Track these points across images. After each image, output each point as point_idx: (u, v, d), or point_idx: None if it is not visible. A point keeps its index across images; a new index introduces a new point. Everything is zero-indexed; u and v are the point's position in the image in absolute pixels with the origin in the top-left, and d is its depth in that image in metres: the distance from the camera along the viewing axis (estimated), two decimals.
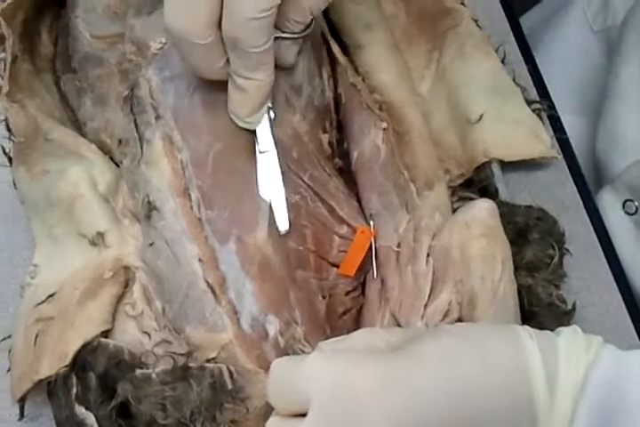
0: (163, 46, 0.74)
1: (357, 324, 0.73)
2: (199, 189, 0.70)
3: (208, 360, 0.67)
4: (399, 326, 0.69)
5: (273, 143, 0.70)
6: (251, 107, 0.69)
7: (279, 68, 0.70)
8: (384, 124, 0.76)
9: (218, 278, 0.68)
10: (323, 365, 0.57)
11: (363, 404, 0.55)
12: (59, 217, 0.73)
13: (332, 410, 0.56)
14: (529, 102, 0.83)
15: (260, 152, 0.70)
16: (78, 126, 0.78)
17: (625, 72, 0.96)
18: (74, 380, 0.67)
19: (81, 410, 0.66)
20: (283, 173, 0.70)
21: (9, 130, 0.74)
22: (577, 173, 0.85)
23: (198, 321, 0.68)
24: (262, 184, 0.69)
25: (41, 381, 0.67)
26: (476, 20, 0.85)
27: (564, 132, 0.86)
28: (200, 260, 0.68)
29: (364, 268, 0.73)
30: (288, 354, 0.67)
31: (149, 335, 0.69)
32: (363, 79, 0.79)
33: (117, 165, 0.75)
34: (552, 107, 0.87)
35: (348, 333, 0.62)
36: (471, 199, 0.76)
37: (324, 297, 0.71)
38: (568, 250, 0.76)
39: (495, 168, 0.80)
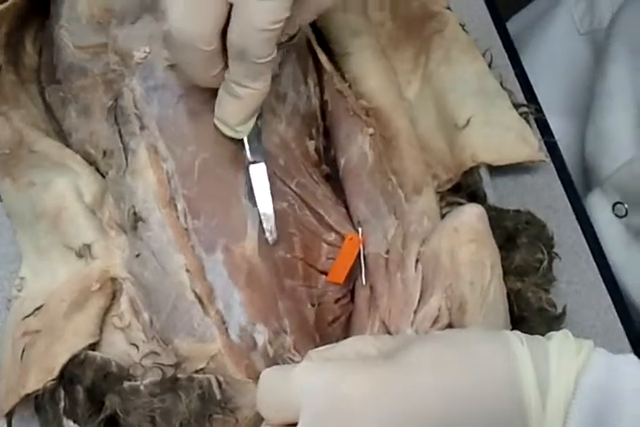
0: (146, 56, 0.74)
1: (347, 332, 0.72)
2: (185, 199, 0.70)
3: (197, 371, 0.66)
4: (389, 333, 0.69)
5: (262, 153, 0.70)
6: (243, 115, 0.69)
7: None
8: (371, 130, 0.76)
9: (205, 289, 0.68)
10: (313, 373, 0.57)
11: (354, 412, 0.55)
12: (45, 229, 0.73)
13: (324, 419, 0.55)
14: (516, 106, 0.83)
15: (249, 162, 0.70)
16: (64, 137, 0.78)
17: (613, 73, 0.96)
18: (61, 393, 0.66)
19: (69, 424, 0.65)
20: (269, 178, 0.70)
21: None
22: (565, 176, 0.85)
23: (186, 332, 0.67)
24: (254, 194, 0.70)
25: (28, 395, 0.67)
26: (462, 25, 0.85)
27: (552, 136, 0.86)
28: (187, 270, 0.68)
29: (352, 275, 0.73)
30: (277, 363, 0.67)
31: (137, 347, 0.68)
32: (349, 86, 0.79)
33: (103, 176, 0.75)
34: (539, 110, 0.87)
35: (337, 341, 0.62)
36: (460, 204, 0.76)
37: (312, 305, 0.71)
38: (557, 254, 0.76)
39: (483, 173, 0.80)
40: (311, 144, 0.77)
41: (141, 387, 0.65)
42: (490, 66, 0.85)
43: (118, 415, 0.65)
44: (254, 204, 0.70)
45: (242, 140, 0.71)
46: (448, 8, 0.86)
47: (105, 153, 0.74)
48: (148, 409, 0.64)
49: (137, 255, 0.70)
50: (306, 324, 0.70)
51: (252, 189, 0.70)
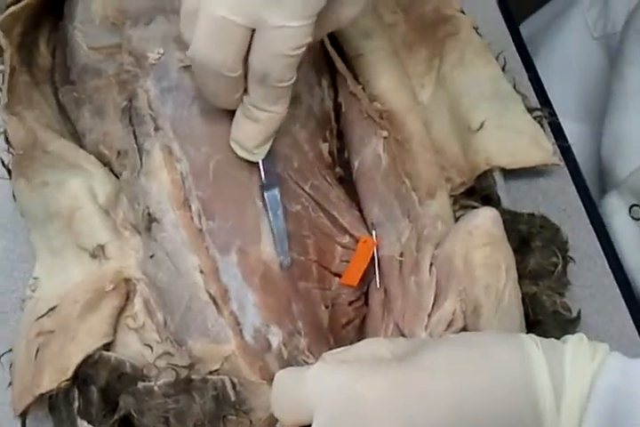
0: (160, 57, 0.74)
1: (361, 334, 0.72)
2: (199, 200, 0.70)
3: (211, 372, 0.66)
4: (403, 336, 0.69)
5: (276, 176, 0.71)
6: (261, 139, 0.69)
7: None
8: (384, 133, 0.76)
9: (220, 290, 0.67)
10: (327, 375, 0.57)
11: (369, 414, 0.55)
12: (58, 229, 0.73)
13: (338, 421, 0.55)
14: (530, 110, 0.83)
15: (264, 185, 0.70)
16: (77, 138, 0.78)
17: (629, 75, 0.96)
18: (75, 393, 0.67)
19: (83, 424, 0.65)
20: (283, 180, 0.71)
21: (8, 142, 0.74)
22: (579, 179, 0.84)
23: (200, 333, 0.67)
24: (269, 217, 0.70)
25: (42, 395, 0.67)
26: (475, 28, 0.85)
27: (566, 140, 0.86)
28: (201, 271, 0.68)
29: (366, 278, 0.73)
30: (291, 365, 0.67)
31: (151, 348, 0.68)
32: (363, 88, 0.79)
33: (117, 177, 0.75)
34: (553, 114, 0.87)
35: (351, 343, 0.62)
36: (473, 208, 0.76)
37: (326, 307, 0.71)
38: (572, 258, 0.75)
39: (497, 176, 0.80)
40: (325, 146, 0.77)
41: (155, 388, 0.65)
42: (503, 69, 0.85)
43: (132, 416, 0.65)
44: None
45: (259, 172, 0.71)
46: (462, 11, 0.86)
47: (119, 154, 0.74)
48: (162, 410, 0.64)
49: (151, 256, 0.70)
50: (320, 326, 0.70)
51: (268, 212, 0.70)
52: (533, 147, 0.81)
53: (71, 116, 0.79)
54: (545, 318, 0.71)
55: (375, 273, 0.72)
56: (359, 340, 0.62)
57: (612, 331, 0.78)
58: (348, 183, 0.77)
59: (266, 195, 0.70)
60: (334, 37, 0.81)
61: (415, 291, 0.70)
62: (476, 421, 0.55)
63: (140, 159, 0.72)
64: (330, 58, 0.79)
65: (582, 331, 0.68)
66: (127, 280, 0.71)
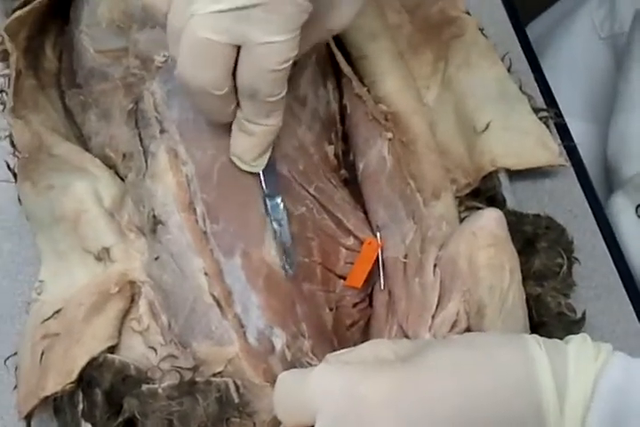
0: (167, 60, 0.74)
1: (365, 336, 0.72)
2: (204, 203, 0.70)
3: (214, 375, 0.66)
4: (407, 337, 0.69)
5: (277, 186, 0.71)
6: (258, 151, 0.69)
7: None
8: (389, 135, 0.76)
9: (224, 292, 0.68)
10: (331, 376, 0.57)
11: (373, 415, 0.55)
12: (64, 233, 0.73)
13: (342, 422, 0.55)
14: (536, 110, 0.83)
15: (265, 195, 0.70)
16: (83, 141, 0.78)
17: (634, 75, 0.96)
18: (80, 396, 0.67)
19: (87, 426, 0.65)
20: (288, 182, 0.71)
21: (13, 146, 0.74)
22: (585, 180, 0.84)
23: (204, 335, 0.67)
24: (273, 227, 0.70)
25: (47, 397, 0.67)
26: (481, 29, 0.85)
27: (572, 140, 0.86)
28: (206, 273, 0.68)
29: (371, 279, 0.73)
30: (295, 367, 0.67)
31: (155, 350, 0.68)
32: (368, 90, 0.79)
33: (122, 180, 0.75)
34: (559, 114, 0.87)
35: (355, 345, 0.62)
36: (478, 209, 0.76)
37: (330, 309, 0.71)
38: (577, 259, 0.75)
39: (502, 177, 0.80)
40: (330, 149, 0.77)
41: (159, 390, 0.65)
42: (509, 70, 0.84)
43: (136, 418, 0.65)
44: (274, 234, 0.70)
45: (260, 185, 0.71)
46: (467, 13, 0.86)
47: (125, 156, 0.74)
48: (165, 412, 0.64)
49: (156, 258, 0.70)
50: (324, 328, 0.70)
51: (272, 222, 0.70)
52: (539, 147, 0.81)
53: (77, 120, 0.79)
54: (550, 319, 0.71)
55: (379, 275, 0.72)
56: (363, 341, 0.62)
57: (618, 332, 0.77)
58: (352, 185, 0.77)
59: (269, 204, 0.70)
60: (339, 39, 0.81)
61: (419, 292, 0.70)
62: (479, 422, 0.55)
63: (146, 162, 0.72)
64: (335, 60, 0.79)
65: (587, 332, 0.67)
66: (132, 283, 0.71)
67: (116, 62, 0.76)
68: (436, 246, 0.71)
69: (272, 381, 0.65)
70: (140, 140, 0.73)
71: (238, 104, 0.67)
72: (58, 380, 0.67)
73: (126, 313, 0.70)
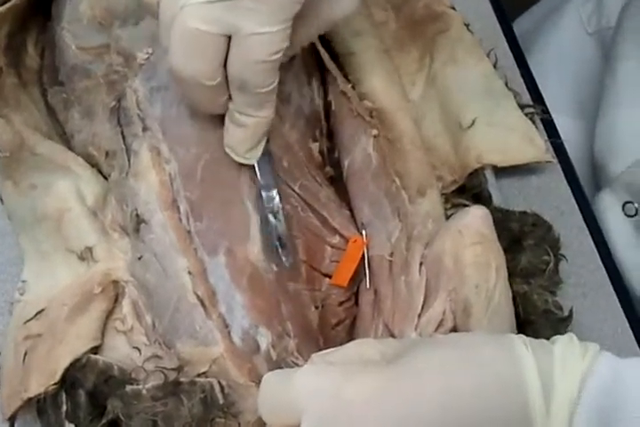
0: (149, 56, 0.74)
1: (351, 335, 0.72)
2: (188, 201, 0.69)
3: (199, 375, 0.66)
4: (393, 336, 0.69)
5: (274, 178, 0.70)
6: (251, 143, 0.68)
7: None
8: (375, 132, 0.76)
9: (207, 291, 0.67)
10: (316, 377, 0.57)
11: (357, 416, 0.54)
12: (47, 232, 0.72)
13: (327, 423, 0.55)
14: (522, 106, 0.82)
15: (261, 187, 0.70)
16: (66, 139, 0.78)
17: (621, 71, 0.95)
18: (63, 397, 0.66)
19: None
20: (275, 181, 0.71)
21: None
22: (572, 177, 0.84)
23: (189, 335, 0.67)
24: (268, 220, 0.69)
25: (30, 399, 0.67)
26: (467, 25, 0.85)
27: (559, 136, 0.85)
28: (189, 272, 0.68)
29: (356, 278, 0.72)
30: (281, 367, 0.66)
31: (139, 350, 0.68)
32: (353, 86, 0.79)
33: (105, 178, 0.74)
34: (546, 111, 0.86)
35: (341, 344, 0.61)
36: (465, 206, 0.75)
37: (316, 308, 0.70)
38: (564, 256, 0.75)
39: (489, 174, 0.79)
40: (315, 146, 0.76)
41: (143, 391, 0.65)
42: (495, 66, 0.84)
43: (120, 420, 0.64)
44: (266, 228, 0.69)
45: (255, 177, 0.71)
46: (452, 8, 0.85)
47: (107, 154, 0.74)
48: (150, 413, 0.64)
49: (139, 258, 0.70)
50: (309, 327, 0.69)
51: (267, 216, 0.69)
52: (525, 144, 0.80)
53: (60, 118, 0.79)
54: (536, 317, 0.71)
55: (365, 273, 0.72)
56: (349, 341, 0.62)
57: (605, 329, 0.77)
58: (338, 183, 0.77)
59: (264, 196, 0.69)
60: (324, 36, 0.81)
61: (405, 291, 0.69)
62: (465, 422, 0.54)
63: (129, 160, 0.72)
64: (320, 57, 0.79)
65: (575, 330, 0.67)
66: (115, 282, 0.71)
67: (99, 59, 0.76)
68: (421, 244, 0.71)
69: (257, 381, 0.64)
70: (123, 137, 0.73)
71: (230, 96, 0.67)
72: (41, 381, 0.66)
73: (110, 313, 0.70)
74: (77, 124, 0.76)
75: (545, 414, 0.54)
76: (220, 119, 0.70)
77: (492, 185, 0.79)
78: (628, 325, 0.78)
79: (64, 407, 0.66)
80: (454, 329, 0.67)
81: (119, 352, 0.68)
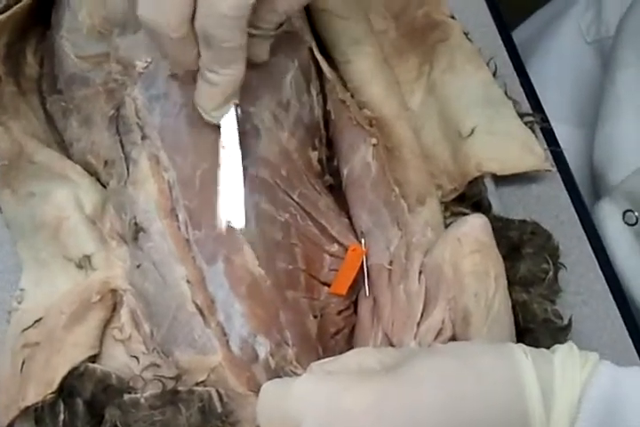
0: (148, 65, 0.74)
1: (350, 344, 0.72)
2: (186, 210, 0.69)
3: (197, 384, 0.66)
4: (392, 345, 0.68)
5: (237, 139, 0.69)
6: (218, 101, 0.68)
7: (250, 64, 0.69)
8: (374, 140, 0.75)
9: (206, 300, 0.67)
10: (314, 386, 0.56)
11: (356, 426, 0.54)
12: (45, 241, 0.72)
13: None
14: (521, 115, 0.82)
15: (223, 147, 0.69)
16: (64, 148, 0.78)
17: (621, 78, 0.95)
18: (61, 406, 0.66)
19: None
20: (271, 188, 0.71)
21: None
22: (571, 185, 0.84)
23: (187, 344, 0.67)
24: (223, 180, 0.69)
25: (28, 407, 0.67)
26: (466, 33, 0.85)
27: (558, 145, 0.85)
28: (188, 281, 0.67)
29: (355, 286, 0.72)
30: (279, 376, 0.66)
31: (138, 359, 0.68)
32: (352, 95, 0.79)
33: (104, 187, 0.74)
34: (545, 119, 0.86)
35: (340, 353, 0.62)
36: (464, 214, 0.75)
37: (315, 317, 0.70)
38: (563, 264, 0.75)
39: (488, 182, 0.79)
40: (314, 155, 0.76)
41: (142, 400, 0.64)
42: (494, 75, 0.84)
43: None
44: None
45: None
46: (452, 17, 0.85)
47: (106, 163, 0.73)
48: (148, 422, 0.63)
49: (138, 266, 0.70)
50: (308, 336, 0.69)
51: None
52: (525, 152, 0.80)
53: (58, 126, 0.79)
54: (536, 325, 0.70)
55: (364, 282, 0.71)
56: (348, 349, 0.62)
57: (605, 338, 0.77)
58: (337, 191, 0.77)
59: (222, 156, 0.69)
60: (323, 44, 0.81)
61: (404, 299, 0.69)
62: None
63: (127, 168, 0.72)
64: (318, 65, 0.79)
65: (574, 338, 0.67)
66: (114, 291, 0.70)
67: (98, 68, 0.76)
68: (420, 253, 0.71)
69: (256, 390, 0.64)
70: (122, 146, 0.72)
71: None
72: (38, 390, 0.66)
73: (108, 322, 0.70)
74: (76, 133, 0.76)
75: (545, 424, 0.54)
76: (218, 127, 0.70)
77: (492, 193, 0.79)
78: (627, 333, 0.78)
79: (62, 416, 0.66)
80: (453, 338, 0.67)
81: (117, 361, 0.68)
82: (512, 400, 0.54)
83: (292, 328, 0.68)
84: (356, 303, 0.73)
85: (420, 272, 0.70)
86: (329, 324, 0.71)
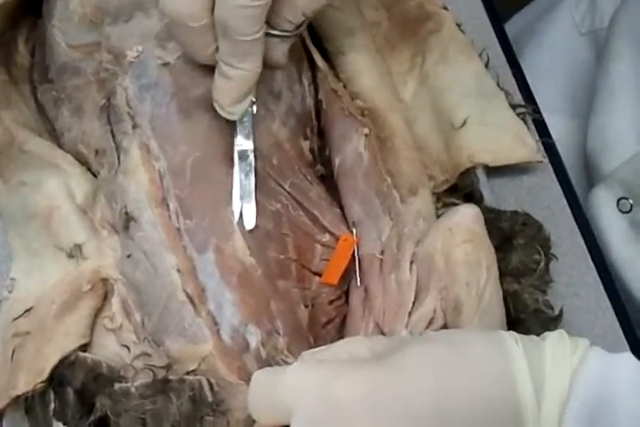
0: (139, 54, 0.73)
1: (341, 334, 0.71)
2: (177, 199, 0.69)
3: (188, 373, 0.66)
4: (383, 334, 0.68)
5: (252, 138, 0.70)
6: (234, 96, 0.68)
7: (268, 67, 0.69)
8: (366, 130, 0.75)
9: (197, 289, 0.67)
10: (305, 375, 0.56)
11: (348, 414, 0.54)
12: (36, 230, 0.72)
13: (316, 421, 0.55)
14: (514, 106, 0.82)
15: (237, 147, 0.70)
16: (55, 137, 0.77)
17: (616, 68, 0.95)
18: (51, 395, 0.66)
19: (59, 426, 0.65)
20: (262, 178, 0.70)
21: None
22: (563, 177, 0.84)
23: (178, 333, 0.67)
24: (236, 181, 0.69)
25: (18, 397, 0.66)
26: (459, 25, 0.85)
27: (550, 136, 0.85)
28: (179, 270, 0.67)
29: (347, 276, 0.72)
30: (270, 365, 0.66)
31: (128, 348, 0.68)
32: (344, 85, 0.78)
33: (95, 176, 0.74)
34: (537, 110, 0.86)
35: (331, 342, 0.61)
36: (456, 205, 0.75)
37: (306, 306, 0.70)
38: (554, 255, 0.75)
39: (480, 173, 0.79)
40: (306, 145, 0.76)
41: (132, 389, 0.64)
42: (487, 66, 0.84)
43: (109, 417, 0.64)
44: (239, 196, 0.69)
45: (234, 134, 0.71)
46: (444, 8, 0.85)
47: (97, 152, 0.73)
48: (138, 411, 0.63)
49: (128, 256, 0.69)
50: (299, 325, 0.69)
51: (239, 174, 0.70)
52: (517, 144, 0.80)
53: (49, 116, 0.78)
54: (527, 316, 0.71)
55: (355, 272, 0.71)
56: (340, 339, 0.62)
57: (596, 329, 0.77)
58: (328, 181, 0.76)
59: (235, 153, 0.70)
60: (315, 34, 0.81)
61: (395, 289, 0.69)
62: (457, 419, 0.54)
63: (118, 158, 0.72)
64: (311, 55, 0.79)
65: (565, 329, 0.66)
66: (104, 280, 0.70)
67: (89, 57, 0.76)
68: (412, 243, 0.71)
69: (247, 379, 0.64)
70: (113, 135, 0.72)
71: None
72: (29, 379, 0.66)
73: (99, 311, 0.70)
74: (67, 122, 0.76)
75: (536, 409, 0.54)
76: (209, 117, 0.70)
77: (484, 185, 0.79)
78: (618, 325, 0.78)
79: (52, 405, 0.66)
80: (445, 327, 0.67)
81: (108, 350, 0.68)
82: (503, 387, 0.54)
83: (282, 318, 0.68)
84: (347, 293, 0.73)
85: (412, 262, 0.70)
86: (320, 314, 0.71)
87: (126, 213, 0.70)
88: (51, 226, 0.72)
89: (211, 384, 0.64)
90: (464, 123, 0.79)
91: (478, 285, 0.67)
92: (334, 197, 0.75)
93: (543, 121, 0.86)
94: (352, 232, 0.73)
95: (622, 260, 0.87)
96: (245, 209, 0.69)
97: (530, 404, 0.54)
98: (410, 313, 0.68)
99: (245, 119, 0.70)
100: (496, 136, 0.80)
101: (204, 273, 0.67)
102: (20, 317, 0.70)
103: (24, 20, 0.81)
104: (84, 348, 0.68)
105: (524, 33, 1.11)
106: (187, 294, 0.67)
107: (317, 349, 0.61)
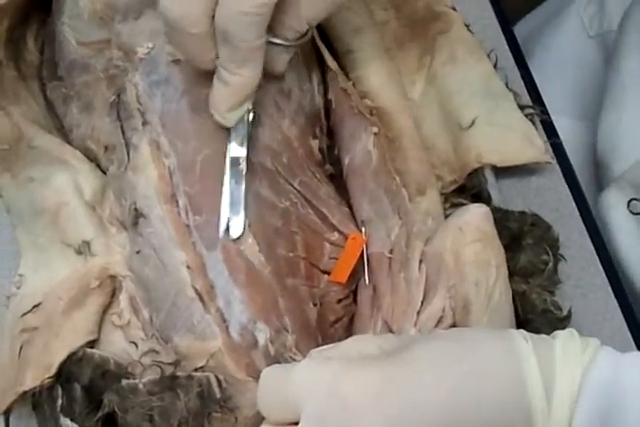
0: (149, 51, 0.73)
1: (349, 333, 0.71)
2: (187, 195, 0.69)
3: (196, 369, 0.65)
4: (392, 333, 0.68)
5: (245, 146, 0.69)
6: (231, 102, 0.68)
7: (268, 74, 0.69)
8: (375, 129, 0.75)
9: (206, 286, 0.67)
10: (314, 372, 0.56)
11: (357, 411, 0.54)
12: (44, 226, 0.72)
13: (325, 418, 0.55)
14: (522, 107, 0.82)
15: (231, 151, 0.69)
16: (64, 133, 0.78)
17: (626, 68, 0.95)
18: (59, 391, 0.66)
19: (66, 422, 0.65)
20: (272, 175, 0.70)
21: None
22: (571, 178, 0.84)
23: (186, 329, 0.66)
24: (226, 189, 0.69)
25: (26, 392, 0.66)
26: (467, 25, 0.85)
27: (558, 137, 0.85)
28: (188, 267, 0.67)
29: (355, 275, 0.72)
30: (278, 362, 0.66)
31: (136, 345, 0.68)
32: (353, 84, 0.78)
33: (104, 173, 0.74)
34: (545, 111, 0.86)
35: (340, 341, 0.61)
36: (464, 206, 0.75)
37: (314, 305, 0.70)
38: (563, 256, 0.75)
39: (488, 174, 0.79)
40: (315, 143, 0.76)
41: (140, 385, 0.64)
42: (495, 66, 0.84)
43: (116, 414, 0.64)
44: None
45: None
46: (453, 8, 0.85)
47: (106, 148, 0.73)
48: (146, 408, 0.63)
49: (137, 252, 0.69)
50: (307, 323, 0.69)
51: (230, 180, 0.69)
52: (525, 144, 0.80)
53: (58, 112, 0.78)
54: (535, 316, 0.70)
55: (364, 270, 0.71)
56: (347, 338, 0.61)
57: (604, 330, 0.77)
58: (337, 180, 0.76)
59: (227, 159, 0.69)
60: (324, 34, 0.81)
61: (404, 287, 0.69)
62: (465, 416, 0.54)
63: (128, 154, 0.72)
64: (320, 54, 0.79)
65: None
66: (113, 277, 0.70)
67: (99, 54, 0.76)
68: (421, 242, 0.70)
69: (255, 376, 0.64)
70: (122, 132, 0.72)
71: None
72: (36, 374, 0.66)
73: (107, 308, 0.69)
74: (76, 119, 0.76)
75: (545, 408, 0.54)
76: None
77: (492, 185, 0.79)
78: (626, 327, 0.78)
79: (59, 401, 0.65)
80: (453, 326, 0.67)
81: (116, 347, 0.68)
82: (512, 385, 0.54)
83: (291, 315, 0.68)
84: (355, 292, 0.73)
85: (421, 261, 0.69)
86: (328, 312, 0.71)
87: (135, 209, 0.70)
88: (59, 222, 0.72)
89: (219, 381, 0.64)
90: (472, 123, 0.79)
91: (487, 284, 0.67)
92: (343, 196, 0.75)
93: (551, 122, 0.86)
94: (361, 231, 0.72)
95: (631, 261, 0.87)
96: (233, 218, 0.68)
97: (539, 402, 0.54)
98: (419, 312, 0.67)
99: (240, 126, 0.70)
100: (504, 137, 0.80)
101: (214, 270, 0.67)
102: (28, 312, 0.69)
103: (34, 17, 0.81)
104: (92, 344, 0.68)
105: (533, 35, 1.11)
106: (196, 291, 0.67)
107: (326, 346, 0.61)
